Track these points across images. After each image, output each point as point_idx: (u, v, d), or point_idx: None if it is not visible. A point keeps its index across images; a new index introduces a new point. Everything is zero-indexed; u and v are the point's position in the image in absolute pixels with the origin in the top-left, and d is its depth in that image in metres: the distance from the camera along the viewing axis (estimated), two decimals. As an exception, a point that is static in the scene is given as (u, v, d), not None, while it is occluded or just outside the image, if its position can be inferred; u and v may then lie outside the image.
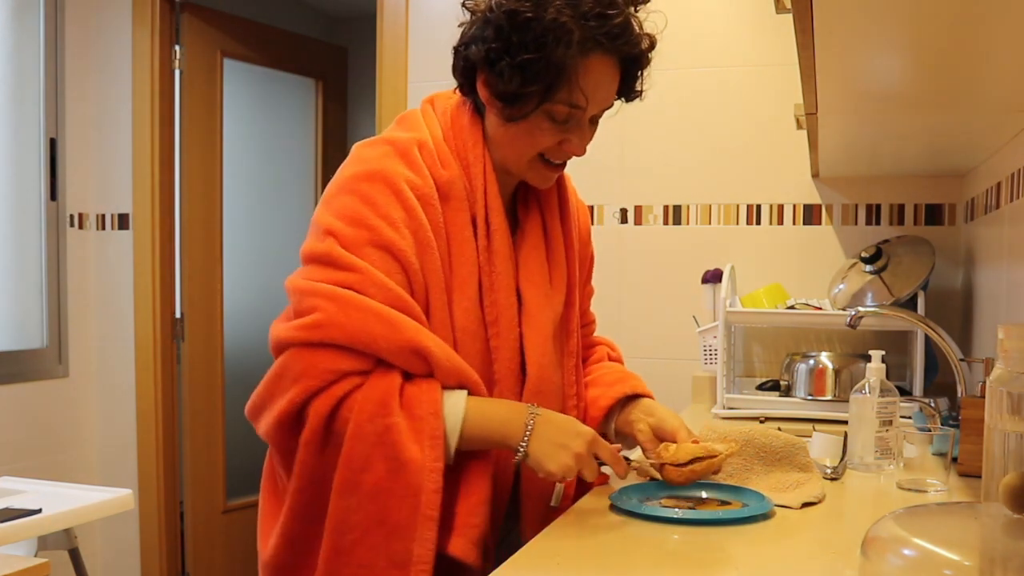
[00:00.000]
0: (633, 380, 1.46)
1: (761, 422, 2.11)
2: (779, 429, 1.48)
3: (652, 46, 1.28)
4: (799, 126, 1.99)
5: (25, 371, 3.01)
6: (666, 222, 2.68)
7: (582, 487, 1.38)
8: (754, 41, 2.59)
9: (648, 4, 1.27)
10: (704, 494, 1.31)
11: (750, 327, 2.57)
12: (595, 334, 1.63)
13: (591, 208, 2.71)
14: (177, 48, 3.27)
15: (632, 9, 1.24)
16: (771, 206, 2.60)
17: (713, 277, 2.49)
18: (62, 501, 2.03)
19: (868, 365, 1.59)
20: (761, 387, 2.41)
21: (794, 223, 2.59)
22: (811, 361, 2.25)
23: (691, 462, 1.28)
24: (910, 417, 1.77)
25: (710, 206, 2.64)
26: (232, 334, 3.52)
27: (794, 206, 2.59)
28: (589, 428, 1.23)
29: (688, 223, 2.66)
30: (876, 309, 2.03)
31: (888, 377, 1.59)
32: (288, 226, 3.77)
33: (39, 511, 1.94)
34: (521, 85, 1.20)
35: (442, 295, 1.24)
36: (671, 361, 2.65)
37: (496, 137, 1.29)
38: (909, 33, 1.12)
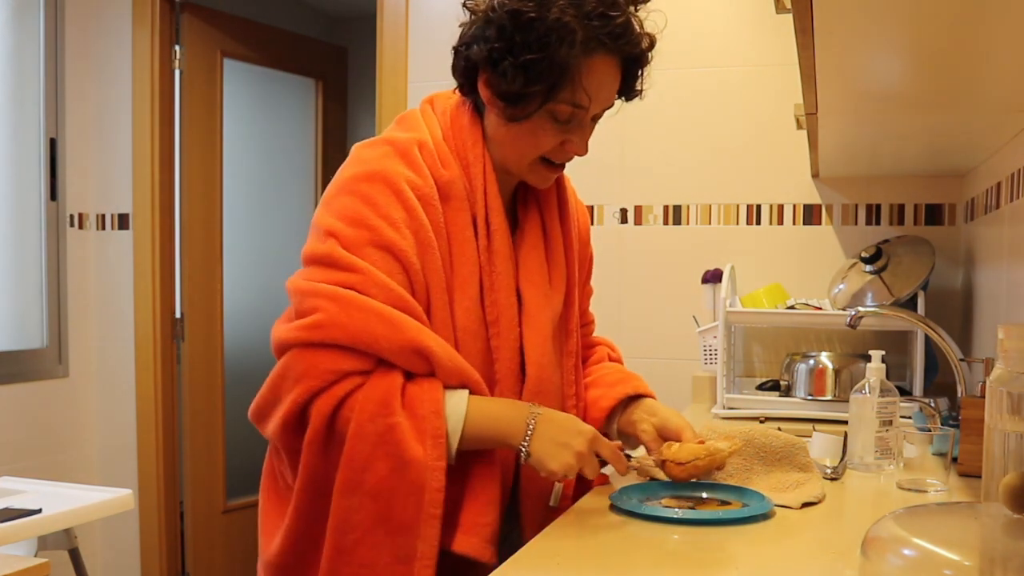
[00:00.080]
0: (635, 380, 1.46)
1: (761, 422, 2.11)
2: (779, 429, 1.48)
3: (652, 45, 1.29)
4: (799, 126, 1.99)
5: (25, 371, 3.01)
6: (666, 222, 2.68)
7: (582, 487, 1.38)
8: (754, 41, 2.59)
9: (648, 3, 1.28)
10: (704, 494, 1.31)
11: (750, 327, 2.57)
12: (594, 334, 1.63)
13: (591, 208, 2.71)
14: (177, 48, 3.27)
15: (633, 8, 1.24)
16: (771, 206, 2.60)
17: (713, 277, 2.49)
18: (62, 501, 2.03)
19: (868, 365, 1.59)
20: (761, 387, 2.42)
21: (794, 223, 2.59)
22: (811, 361, 2.25)
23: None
24: (910, 417, 1.77)
25: (710, 206, 2.64)
26: (232, 334, 3.52)
27: (794, 206, 2.59)
28: (590, 426, 1.23)
29: (688, 223, 2.66)
30: (876, 309, 2.03)
31: (888, 377, 1.59)
32: (288, 226, 3.77)
33: (39, 511, 1.94)
34: (524, 85, 1.20)
35: (443, 295, 1.24)
36: (671, 361, 2.65)
37: (497, 137, 1.29)
38: (909, 33, 1.12)
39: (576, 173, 1.45)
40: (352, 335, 1.15)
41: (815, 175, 2.53)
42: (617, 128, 2.66)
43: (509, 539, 1.31)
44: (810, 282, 2.54)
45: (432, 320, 1.23)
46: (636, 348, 2.63)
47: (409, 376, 1.19)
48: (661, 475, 1.40)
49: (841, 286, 2.33)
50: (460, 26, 1.28)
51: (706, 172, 2.64)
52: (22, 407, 2.98)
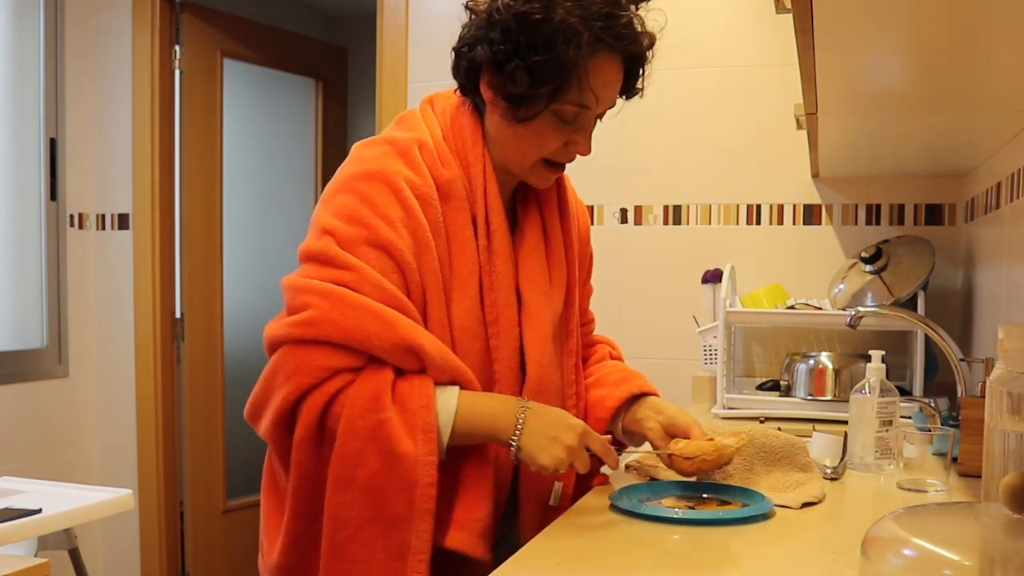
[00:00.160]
0: (639, 379, 1.46)
1: (761, 422, 2.11)
2: (779, 429, 1.48)
3: (652, 44, 1.29)
4: (799, 126, 1.99)
5: (25, 371, 3.01)
6: (666, 222, 2.68)
7: (582, 487, 1.38)
8: (754, 41, 2.59)
9: (649, 3, 1.28)
10: (704, 494, 1.31)
11: (750, 327, 2.57)
12: (595, 333, 1.63)
13: (591, 208, 2.71)
14: (177, 48, 3.27)
15: (634, 8, 1.25)
16: (771, 206, 2.60)
17: (713, 277, 2.49)
18: (62, 501, 2.03)
19: (868, 365, 1.59)
20: (761, 387, 2.42)
21: (794, 223, 2.59)
22: (811, 361, 2.26)
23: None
24: (910, 417, 1.77)
25: (710, 206, 2.64)
26: (232, 334, 3.51)
27: (794, 206, 2.59)
28: (580, 420, 1.23)
29: (688, 223, 2.66)
30: (876, 309, 2.03)
31: (888, 377, 1.59)
32: (288, 226, 3.77)
33: (39, 511, 1.94)
34: (530, 86, 1.20)
35: (440, 295, 1.24)
36: (671, 361, 2.65)
37: (500, 138, 1.29)
38: (909, 33, 1.12)
39: (576, 173, 1.45)
40: (344, 332, 1.15)
41: (815, 175, 2.53)
42: (617, 128, 2.66)
43: (509, 539, 1.32)
44: (810, 282, 2.54)
45: (428, 320, 1.23)
46: (636, 348, 2.63)
47: (400, 373, 1.19)
48: (661, 475, 1.40)
49: (841, 286, 2.33)
50: (463, 27, 1.28)
51: (706, 172, 2.64)
52: (22, 407, 2.98)
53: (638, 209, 2.70)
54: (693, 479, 1.36)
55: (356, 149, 1.30)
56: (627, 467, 1.48)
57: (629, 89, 1.32)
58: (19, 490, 2.15)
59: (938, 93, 1.46)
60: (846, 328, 1.94)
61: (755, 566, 1.05)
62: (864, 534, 0.82)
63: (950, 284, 2.46)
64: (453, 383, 1.22)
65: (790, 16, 1.12)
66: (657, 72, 1.33)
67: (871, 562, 0.79)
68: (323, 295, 1.16)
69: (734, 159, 2.62)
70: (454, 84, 1.33)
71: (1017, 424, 0.91)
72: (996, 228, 1.99)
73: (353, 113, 4.36)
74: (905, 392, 2.19)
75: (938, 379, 2.28)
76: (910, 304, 2.19)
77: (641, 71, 1.30)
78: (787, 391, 2.28)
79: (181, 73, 3.29)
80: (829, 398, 2.21)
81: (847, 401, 1.61)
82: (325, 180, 3.88)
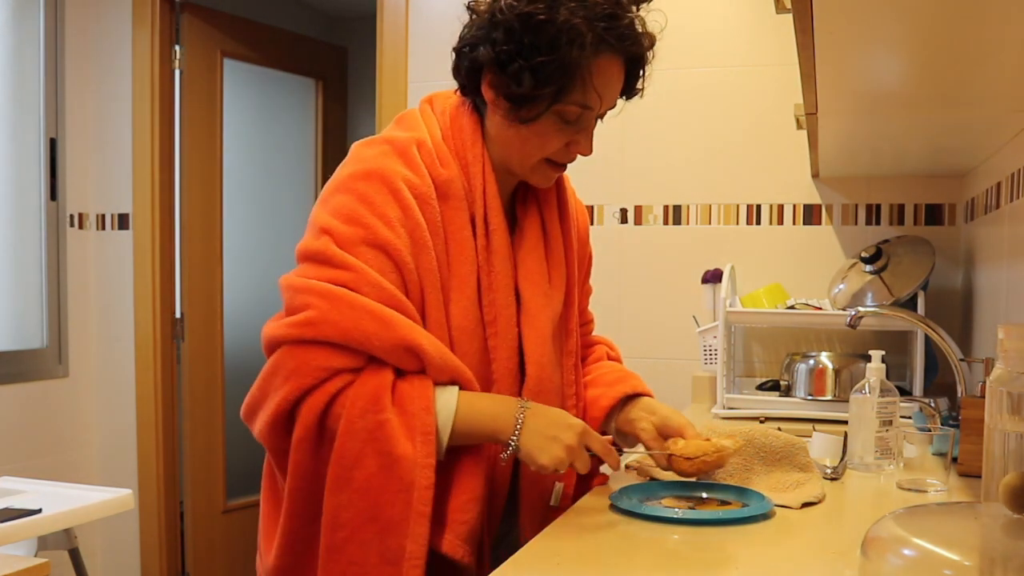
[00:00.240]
0: (633, 379, 1.46)
1: (761, 422, 2.11)
2: (779, 429, 1.48)
3: (652, 45, 1.29)
4: (799, 126, 1.99)
5: (25, 371, 3.01)
6: (666, 222, 2.68)
7: (582, 487, 1.38)
8: (754, 41, 2.59)
9: (649, 4, 1.28)
10: (704, 494, 1.31)
11: (750, 327, 2.57)
12: (593, 333, 1.63)
13: (591, 208, 2.71)
14: (177, 48, 3.27)
15: (636, 9, 1.25)
16: (771, 206, 2.60)
17: (713, 277, 2.49)
18: (62, 501, 2.03)
19: (868, 365, 1.59)
20: (761, 387, 2.42)
21: (794, 223, 2.59)
22: (811, 361, 2.26)
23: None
24: (910, 417, 1.77)
25: (710, 206, 2.64)
26: (232, 334, 3.51)
27: (794, 206, 2.59)
28: (580, 420, 1.23)
29: (688, 223, 2.66)
30: (876, 309, 2.03)
31: (888, 377, 1.59)
32: (288, 226, 3.77)
33: (39, 511, 1.94)
34: (534, 87, 1.20)
35: (438, 295, 1.24)
36: (671, 361, 2.65)
37: (501, 138, 1.29)
38: (909, 33, 1.12)
39: (576, 173, 1.45)
40: (343, 332, 1.15)
41: (815, 175, 2.53)
42: (617, 128, 2.66)
43: (509, 539, 1.32)
44: (810, 282, 2.54)
45: (426, 319, 1.23)
46: (636, 348, 2.63)
47: (400, 373, 1.19)
48: (661, 475, 1.40)
49: (841, 286, 2.33)
50: (464, 27, 1.28)
51: (706, 172, 2.64)
52: (22, 407, 2.98)
53: (638, 209, 2.70)
54: (693, 479, 1.36)
55: (355, 149, 1.30)
56: (627, 467, 1.48)
57: (630, 90, 1.32)
58: (19, 490, 2.15)
59: (938, 93, 1.46)
60: (846, 328, 1.94)
61: (755, 566, 1.05)
62: (864, 534, 0.82)
63: (950, 284, 2.46)
64: (452, 383, 1.22)
65: (790, 16, 1.12)
66: (657, 72, 1.34)
67: (871, 562, 0.79)
68: (322, 295, 1.16)
69: (734, 159, 2.62)
70: (454, 84, 1.32)
71: (1017, 424, 0.91)
72: (996, 228, 1.99)
73: (353, 113, 4.36)
74: (905, 392, 2.19)
75: (938, 379, 2.28)
76: (910, 304, 2.19)
77: (642, 72, 1.31)
78: (787, 391, 2.28)
79: (181, 73, 3.29)
80: (829, 398, 2.21)
81: (847, 401, 1.61)
82: (325, 180, 3.87)
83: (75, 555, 2.21)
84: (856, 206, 2.55)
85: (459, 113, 1.32)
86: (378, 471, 1.14)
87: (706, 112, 2.63)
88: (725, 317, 2.27)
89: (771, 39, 2.56)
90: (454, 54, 1.29)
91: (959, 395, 1.72)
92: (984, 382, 1.35)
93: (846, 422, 1.61)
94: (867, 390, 1.57)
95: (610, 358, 1.57)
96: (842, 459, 1.55)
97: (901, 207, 2.52)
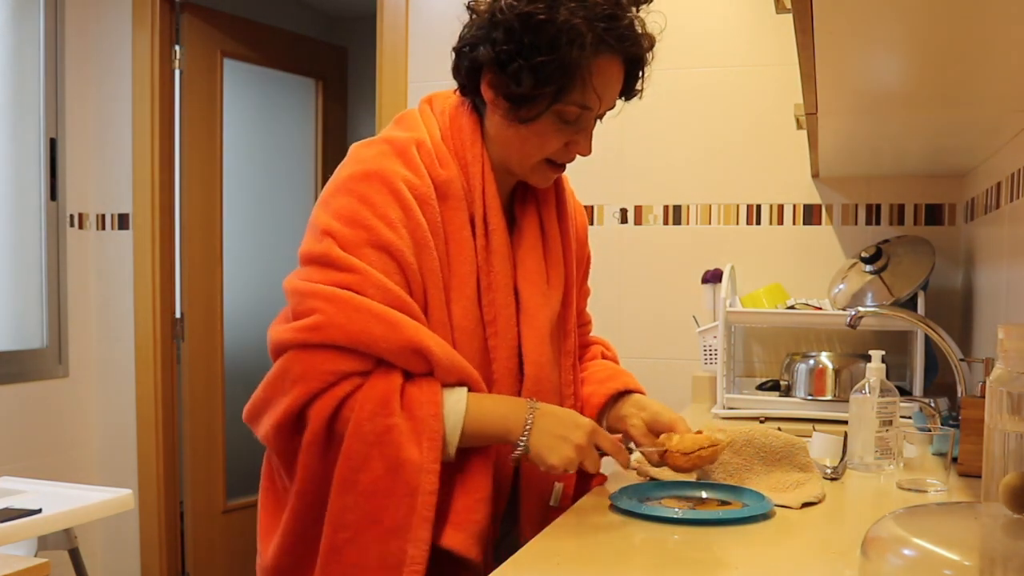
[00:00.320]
0: (624, 376, 1.47)
1: (761, 422, 2.11)
2: (779, 429, 1.48)
3: (651, 46, 1.29)
4: (799, 126, 1.99)
5: (25, 371, 3.01)
6: (666, 222, 2.68)
7: (582, 487, 1.38)
8: (754, 41, 2.59)
9: (649, 5, 1.28)
10: (704, 494, 1.31)
11: (750, 327, 2.57)
12: (592, 334, 1.63)
13: (591, 208, 2.71)
14: (177, 48, 3.27)
15: (635, 10, 1.25)
16: (771, 206, 2.60)
17: (713, 277, 2.49)
18: (62, 501, 2.03)
19: (868, 365, 1.59)
20: (761, 387, 2.42)
21: (794, 223, 2.59)
22: (811, 361, 2.25)
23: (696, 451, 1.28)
24: (910, 417, 1.77)
25: (710, 206, 2.64)
26: (232, 334, 3.52)
27: (794, 206, 2.59)
28: (589, 419, 1.24)
29: (688, 223, 2.66)
30: (876, 309, 2.03)
31: (888, 377, 1.59)
32: (288, 226, 3.77)
33: (39, 511, 1.94)
34: (534, 87, 1.21)
35: (440, 294, 1.24)
36: (671, 361, 2.65)
37: (501, 138, 1.29)
38: (909, 33, 1.12)
39: (576, 173, 1.45)
40: (351, 336, 1.15)
41: (815, 175, 2.53)
42: (617, 128, 2.66)
43: (508, 539, 1.32)
44: (810, 282, 2.54)
45: (429, 320, 1.23)
46: (636, 348, 2.63)
47: (408, 376, 1.19)
48: (661, 475, 1.40)
49: (841, 286, 2.33)
50: (464, 27, 1.28)
51: (706, 172, 2.64)
52: (22, 407, 2.98)
53: (638, 209, 2.70)
54: (692, 478, 1.36)
55: (354, 149, 1.30)
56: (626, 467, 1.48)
57: (629, 91, 1.32)
58: (19, 490, 2.15)
59: (938, 93, 1.46)
60: (846, 328, 1.94)
61: (755, 566, 1.05)
62: (864, 534, 0.82)
63: (950, 284, 2.46)
64: (460, 384, 1.22)
65: (790, 16, 1.12)
66: (657, 72, 1.34)
67: (871, 562, 0.79)
68: (328, 299, 1.16)
69: (734, 159, 2.62)
70: (454, 84, 1.33)
71: (1017, 424, 0.91)
72: (996, 228, 1.99)
73: (353, 113, 4.36)
74: (905, 392, 2.19)
75: (938, 379, 2.28)
76: (910, 304, 2.19)
77: (641, 73, 1.31)
78: (787, 391, 2.28)
79: (181, 73, 3.29)
80: (829, 398, 2.21)
81: (847, 401, 1.61)
82: (325, 180, 3.87)
83: (75, 555, 2.21)
84: (856, 206, 2.55)
85: (458, 113, 1.32)
86: (384, 474, 1.14)
87: (706, 112, 2.63)
88: (725, 317, 2.27)
89: (771, 39, 2.56)
90: (454, 54, 1.29)
91: (959, 395, 1.72)
92: (984, 382, 1.35)
93: (846, 422, 1.61)
94: (867, 390, 1.57)
95: (605, 357, 1.57)
96: (842, 459, 1.55)
97: (901, 207, 2.52)
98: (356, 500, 1.15)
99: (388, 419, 1.14)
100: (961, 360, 1.72)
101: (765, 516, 1.21)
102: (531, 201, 1.38)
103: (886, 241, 2.35)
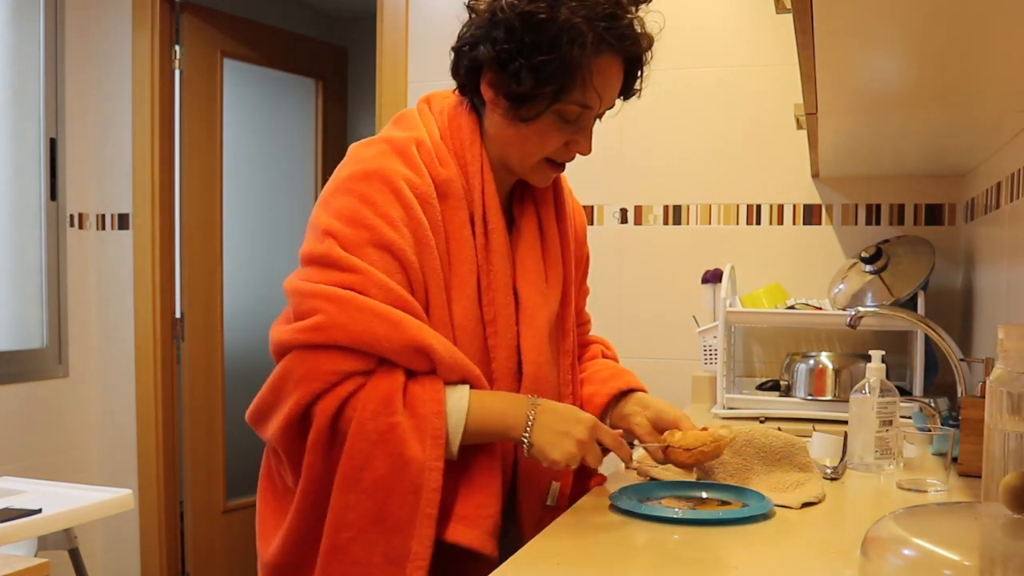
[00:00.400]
0: (627, 375, 1.47)
1: (761, 422, 2.11)
2: (779, 429, 1.48)
3: (650, 46, 1.29)
4: (799, 126, 1.99)
5: (25, 371, 3.01)
6: (666, 222, 2.68)
7: (580, 487, 1.38)
8: (754, 41, 2.59)
9: (648, 4, 1.28)
10: (704, 494, 1.31)
11: (750, 327, 2.57)
12: (591, 334, 1.63)
13: (591, 208, 2.71)
14: (177, 48, 3.27)
15: (635, 10, 1.25)
16: (771, 206, 2.60)
17: (713, 277, 2.49)
18: (62, 501, 2.03)
19: (868, 365, 1.59)
20: (761, 387, 2.42)
21: (794, 223, 2.59)
22: (811, 361, 2.25)
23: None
24: (910, 417, 1.77)
25: (710, 206, 2.64)
26: (232, 334, 3.52)
27: (794, 206, 2.59)
28: (590, 415, 1.24)
29: (688, 223, 2.66)
30: (876, 309, 2.03)
31: (888, 377, 1.59)
32: (288, 226, 3.77)
33: (39, 511, 1.94)
34: (535, 86, 1.21)
35: (441, 293, 1.24)
36: (671, 361, 2.65)
37: (501, 137, 1.29)
38: (909, 33, 1.12)
39: (576, 173, 1.45)
40: (353, 336, 1.15)
41: (815, 175, 2.53)
42: (617, 128, 2.66)
43: (507, 538, 1.31)
44: (810, 282, 2.54)
45: (431, 319, 1.23)
46: (636, 348, 2.63)
47: (411, 374, 1.19)
48: (661, 475, 1.40)
49: (841, 286, 2.33)
50: (463, 26, 1.28)
51: (706, 172, 2.64)
52: (22, 407, 2.98)
53: (638, 209, 2.70)
54: (693, 477, 1.36)
55: (353, 149, 1.30)
56: (626, 466, 1.48)
57: (628, 90, 1.32)
58: (19, 490, 2.15)
59: (938, 93, 1.46)
60: (846, 328, 1.94)
61: (755, 566, 1.05)
62: (864, 534, 0.82)
63: (950, 284, 2.46)
64: (462, 381, 1.22)
65: (790, 16, 1.12)
66: (657, 72, 1.34)
67: (871, 562, 0.79)
68: (330, 299, 1.16)
69: (734, 159, 2.62)
70: (454, 84, 1.33)
71: (1017, 424, 0.91)
72: (996, 228, 1.99)
73: (353, 113, 4.36)
74: (905, 392, 2.19)
75: (938, 379, 2.28)
76: (910, 304, 2.19)
77: (640, 72, 1.31)
78: (787, 391, 2.28)
79: (181, 73, 3.29)
80: (829, 398, 2.21)
81: (847, 401, 1.61)
82: (325, 180, 3.87)
83: (75, 555, 2.21)
84: (856, 206, 2.55)
85: (457, 113, 1.32)
86: (387, 473, 1.14)
87: (706, 112, 2.63)
88: (725, 317, 2.27)
89: (771, 39, 2.56)
90: (453, 53, 1.29)
91: (959, 395, 1.72)
92: (984, 382, 1.35)
93: (846, 422, 1.61)
94: (867, 390, 1.57)
95: (605, 356, 1.57)
96: (842, 459, 1.55)
97: (901, 207, 2.52)
98: (359, 498, 1.15)
99: (391, 417, 1.15)
100: (961, 360, 1.72)
101: (765, 516, 1.21)
102: (529, 201, 1.38)
103: (886, 241, 2.35)
